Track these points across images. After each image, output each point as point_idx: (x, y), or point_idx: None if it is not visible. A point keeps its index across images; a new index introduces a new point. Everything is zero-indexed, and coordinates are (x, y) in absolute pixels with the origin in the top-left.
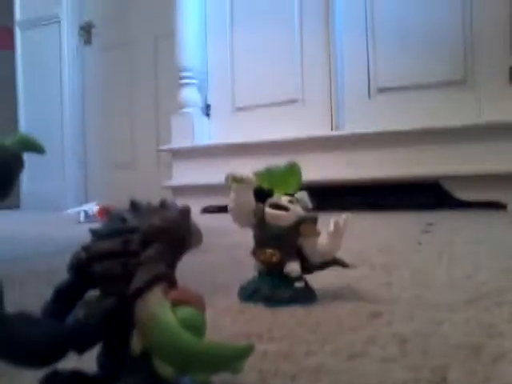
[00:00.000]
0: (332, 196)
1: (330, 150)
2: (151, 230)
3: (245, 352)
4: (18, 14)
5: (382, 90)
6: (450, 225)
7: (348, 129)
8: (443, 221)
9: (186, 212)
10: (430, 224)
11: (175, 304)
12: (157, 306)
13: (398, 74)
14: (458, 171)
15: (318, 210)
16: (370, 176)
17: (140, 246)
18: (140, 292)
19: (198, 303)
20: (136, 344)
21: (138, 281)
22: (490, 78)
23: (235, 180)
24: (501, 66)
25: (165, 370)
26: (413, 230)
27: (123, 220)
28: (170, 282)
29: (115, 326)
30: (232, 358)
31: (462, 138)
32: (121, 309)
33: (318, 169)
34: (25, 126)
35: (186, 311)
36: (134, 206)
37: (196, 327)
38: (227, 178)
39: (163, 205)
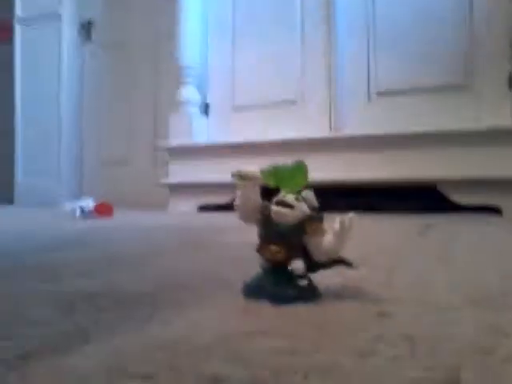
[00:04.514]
0: (329, 198)
1: (328, 151)
2: None
3: None
4: (18, 10)
5: (382, 94)
6: (448, 228)
7: (347, 131)
8: (441, 224)
9: None
10: (428, 226)
11: None
12: None
13: (398, 77)
14: (455, 175)
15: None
16: (368, 178)
17: None
18: None
19: None
20: None
21: None
22: (490, 83)
23: (242, 177)
24: (500, 71)
25: None
26: (411, 232)
27: None
28: None
29: None
30: None
31: (461, 143)
32: None
33: (316, 170)
34: (22, 121)
35: None
36: None
37: None
38: (234, 175)
39: None
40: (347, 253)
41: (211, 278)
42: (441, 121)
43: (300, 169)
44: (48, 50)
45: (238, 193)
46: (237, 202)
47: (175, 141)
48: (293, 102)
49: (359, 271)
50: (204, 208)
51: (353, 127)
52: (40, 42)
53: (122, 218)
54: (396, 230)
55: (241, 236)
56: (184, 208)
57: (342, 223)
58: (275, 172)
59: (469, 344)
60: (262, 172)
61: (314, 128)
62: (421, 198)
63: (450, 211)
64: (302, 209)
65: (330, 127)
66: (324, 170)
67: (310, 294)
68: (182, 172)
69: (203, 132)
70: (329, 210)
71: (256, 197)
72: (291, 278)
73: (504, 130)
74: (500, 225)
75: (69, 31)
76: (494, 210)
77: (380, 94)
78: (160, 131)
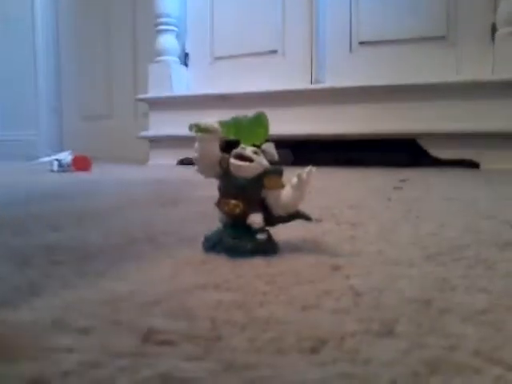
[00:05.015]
0: (310, 151)
1: (309, 103)
2: None
3: None
4: None
5: (364, 44)
6: (423, 182)
7: (328, 83)
8: (417, 178)
9: None
10: (404, 180)
11: None
12: None
13: (379, 27)
14: (434, 129)
15: (295, 164)
16: (348, 131)
17: None
18: None
19: None
20: None
21: None
22: (472, 34)
23: (200, 129)
24: (483, 22)
25: None
26: (385, 186)
27: None
28: None
29: None
30: None
31: (440, 96)
32: None
33: (296, 123)
34: None
35: None
36: None
37: None
38: (191, 127)
39: None
40: (316, 207)
41: (175, 232)
42: (422, 73)
43: (260, 121)
44: (20, 2)
45: (196, 146)
46: (195, 156)
47: (155, 92)
48: (273, 52)
49: (324, 225)
50: (184, 162)
51: (334, 78)
52: None
53: (100, 172)
54: (370, 185)
55: (212, 191)
56: (165, 162)
57: (299, 177)
58: (235, 124)
59: (411, 297)
60: (222, 124)
61: (295, 79)
62: (399, 152)
63: (429, 165)
64: (261, 162)
65: (311, 78)
66: (304, 122)
67: (268, 248)
68: (162, 125)
69: (183, 83)
70: (307, 164)
71: (215, 150)
72: (250, 231)
73: (483, 82)
74: (475, 178)
75: None
76: (472, 164)
77: (362, 43)
78: (140, 83)
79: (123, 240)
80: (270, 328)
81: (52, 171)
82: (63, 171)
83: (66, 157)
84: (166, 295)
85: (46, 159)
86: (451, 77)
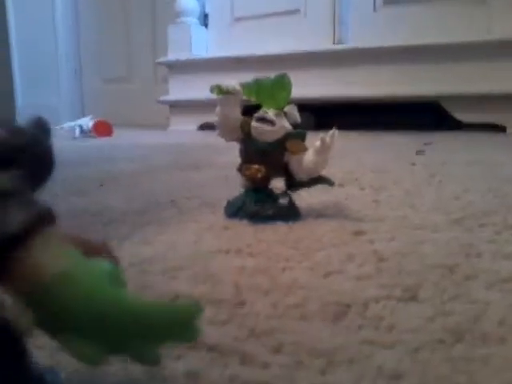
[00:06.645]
0: (332, 114)
1: (331, 65)
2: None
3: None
4: None
5: (388, 2)
6: (447, 146)
7: (351, 43)
8: (441, 141)
9: (44, 124)
10: (428, 144)
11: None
12: (63, 259)
13: None
14: (459, 91)
15: (317, 128)
16: (372, 94)
17: None
18: (19, 240)
19: (108, 253)
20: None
21: (11, 222)
22: None
23: (221, 91)
24: None
25: (87, 350)
26: (409, 150)
27: None
28: (54, 223)
29: None
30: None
31: (468, 56)
32: None
33: (318, 85)
34: (16, 35)
35: (103, 264)
36: None
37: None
38: (212, 89)
39: None
40: (339, 171)
41: (198, 197)
42: (449, 32)
43: (283, 83)
44: None
45: (217, 109)
46: (216, 119)
47: (174, 55)
48: (295, 12)
49: (347, 190)
50: (204, 127)
51: (357, 39)
52: None
53: (122, 137)
54: (394, 148)
55: (234, 156)
56: (186, 126)
57: (322, 140)
58: (257, 86)
59: (435, 263)
60: (243, 86)
61: (317, 40)
62: (423, 115)
63: (453, 129)
64: (283, 125)
65: (334, 39)
66: (327, 84)
67: (290, 213)
68: (182, 89)
69: (203, 45)
70: (330, 128)
71: (237, 112)
72: (271, 196)
73: None
74: (500, 142)
75: None
76: (498, 128)
77: (386, 2)
78: (160, 45)
79: (146, 204)
80: (293, 293)
81: (74, 137)
82: (85, 137)
83: (87, 122)
84: (190, 260)
85: (68, 125)
86: (480, 35)
